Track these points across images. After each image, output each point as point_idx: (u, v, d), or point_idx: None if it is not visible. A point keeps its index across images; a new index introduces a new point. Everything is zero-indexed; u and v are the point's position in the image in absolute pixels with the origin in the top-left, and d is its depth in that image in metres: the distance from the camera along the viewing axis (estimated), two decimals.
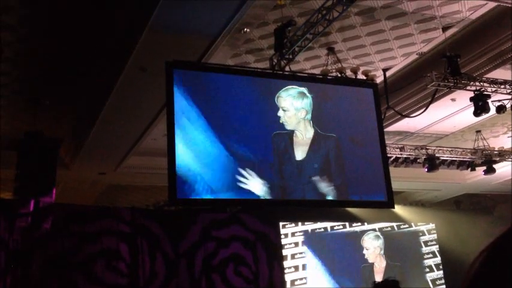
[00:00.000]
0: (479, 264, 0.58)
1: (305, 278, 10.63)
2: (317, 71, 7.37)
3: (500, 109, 7.70)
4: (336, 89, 6.73)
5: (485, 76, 7.51)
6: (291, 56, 6.50)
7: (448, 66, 6.92)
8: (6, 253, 8.13)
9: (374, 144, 6.60)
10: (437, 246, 12.35)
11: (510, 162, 10.60)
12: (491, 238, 0.60)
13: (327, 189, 6.18)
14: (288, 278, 10.49)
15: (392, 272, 11.28)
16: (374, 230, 11.71)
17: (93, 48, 6.51)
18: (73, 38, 6.34)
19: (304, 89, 6.39)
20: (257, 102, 6.20)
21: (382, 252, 11.58)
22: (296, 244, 10.91)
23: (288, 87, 6.36)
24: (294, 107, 6.29)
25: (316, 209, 9.97)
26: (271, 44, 6.53)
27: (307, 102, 6.35)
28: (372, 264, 11.35)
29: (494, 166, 10.21)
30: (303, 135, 6.22)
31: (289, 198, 6.08)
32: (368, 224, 11.64)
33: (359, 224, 11.57)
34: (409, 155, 9.66)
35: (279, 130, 6.10)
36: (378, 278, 11.12)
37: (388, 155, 8.44)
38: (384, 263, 11.45)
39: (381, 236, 11.69)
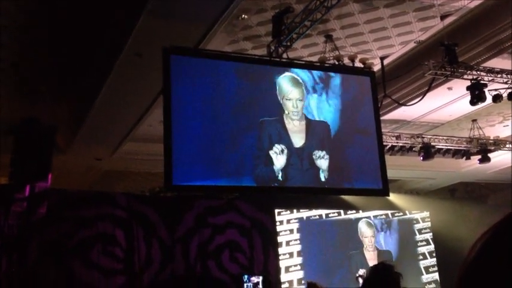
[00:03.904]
0: (479, 247, 0.58)
1: (300, 264, 10.71)
2: (315, 59, 7.35)
3: (497, 98, 7.71)
4: (332, 76, 6.72)
5: (482, 65, 7.51)
6: (288, 43, 6.47)
7: (445, 55, 6.91)
8: (1, 238, 8.15)
9: (370, 132, 6.61)
10: (431, 234, 12.45)
11: (505, 151, 10.65)
12: (484, 227, 0.60)
13: (323, 176, 6.20)
14: (282, 264, 10.58)
15: (385, 259, 11.38)
16: (368, 217, 11.79)
17: (89, 35, 6.46)
18: (69, 24, 6.29)
19: (299, 77, 6.38)
20: (254, 88, 6.18)
21: (375, 239, 11.68)
22: (291, 231, 10.97)
23: (286, 73, 6.35)
24: (289, 94, 6.27)
25: (312, 196, 10.02)
26: (269, 30, 6.50)
27: (301, 90, 6.35)
28: (364, 251, 11.44)
29: (489, 155, 10.26)
30: (297, 122, 6.20)
31: (288, 186, 6.08)
32: (363, 211, 11.71)
33: (354, 211, 11.64)
34: (405, 143, 9.68)
35: (274, 116, 6.09)
36: (371, 264, 11.22)
37: (384, 143, 8.45)
38: (376, 250, 11.55)
39: (373, 224, 11.78)
